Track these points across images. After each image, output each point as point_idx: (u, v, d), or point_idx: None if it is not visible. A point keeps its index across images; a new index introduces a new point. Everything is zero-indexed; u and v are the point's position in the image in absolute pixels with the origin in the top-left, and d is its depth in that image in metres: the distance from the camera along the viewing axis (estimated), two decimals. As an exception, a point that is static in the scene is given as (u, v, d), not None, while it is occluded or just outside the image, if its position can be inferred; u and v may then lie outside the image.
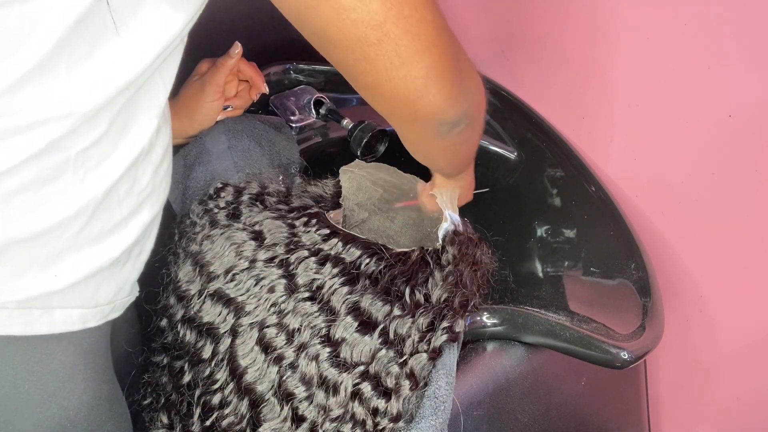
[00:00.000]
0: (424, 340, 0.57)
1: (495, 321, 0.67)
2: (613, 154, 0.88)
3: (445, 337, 0.58)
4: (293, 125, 0.91)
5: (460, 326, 0.60)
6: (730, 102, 0.73)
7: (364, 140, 0.86)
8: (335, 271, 0.57)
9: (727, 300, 0.82)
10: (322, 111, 0.92)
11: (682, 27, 0.75)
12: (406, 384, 0.55)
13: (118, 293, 0.56)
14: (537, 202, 0.90)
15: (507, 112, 0.96)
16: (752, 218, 0.75)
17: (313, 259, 0.57)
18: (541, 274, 0.82)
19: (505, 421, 0.68)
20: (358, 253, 0.58)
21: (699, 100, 0.76)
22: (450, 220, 0.68)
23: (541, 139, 0.92)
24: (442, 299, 0.60)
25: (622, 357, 0.63)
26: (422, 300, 0.59)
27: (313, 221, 0.61)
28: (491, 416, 0.67)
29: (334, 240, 0.59)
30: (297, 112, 0.92)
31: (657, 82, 0.79)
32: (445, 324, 0.59)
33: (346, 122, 0.89)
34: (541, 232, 0.87)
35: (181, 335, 0.59)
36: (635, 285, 0.75)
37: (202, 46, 0.67)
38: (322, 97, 0.93)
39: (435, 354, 0.58)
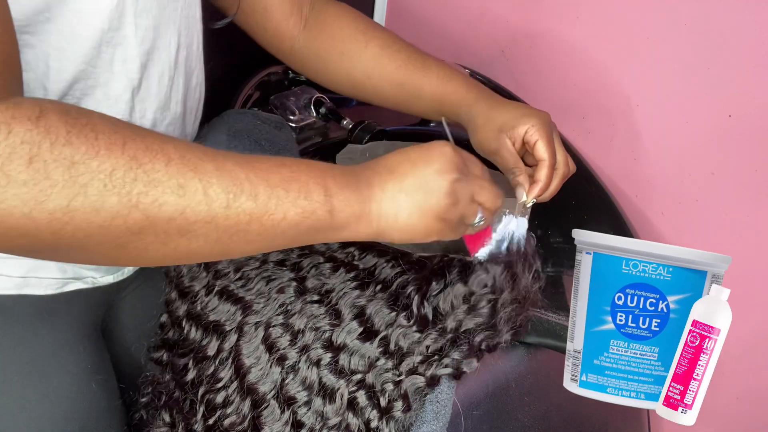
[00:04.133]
0: (426, 363, 0.54)
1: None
2: (613, 154, 0.88)
3: (449, 370, 0.53)
4: (293, 125, 0.91)
5: (470, 367, 0.54)
6: (730, 102, 0.73)
7: (365, 140, 0.86)
8: (348, 276, 0.56)
9: (727, 300, 0.82)
10: (322, 111, 0.92)
11: (682, 27, 0.75)
12: (398, 405, 0.53)
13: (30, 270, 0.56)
14: (537, 202, 0.89)
15: (507, 112, 0.96)
16: (752, 218, 0.75)
17: (327, 265, 0.56)
18: (541, 274, 0.82)
19: (505, 421, 0.68)
20: (374, 260, 0.56)
21: (699, 100, 0.76)
22: (503, 233, 0.58)
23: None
24: (461, 329, 0.54)
25: (622, 357, 0.63)
26: (431, 314, 0.54)
27: None
28: (491, 416, 0.66)
29: (351, 248, 0.57)
30: (297, 112, 0.92)
31: (657, 82, 0.79)
32: (456, 355, 0.54)
33: (346, 122, 0.89)
34: (541, 232, 0.86)
35: (185, 331, 0.59)
36: (635, 285, 0.75)
37: (205, 48, 0.66)
38: (322, 96, 0.93)
39: (434, 382, 0.53)
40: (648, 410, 0.91)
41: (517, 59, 0.97)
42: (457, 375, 0.55)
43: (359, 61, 0.70)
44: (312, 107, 0.92)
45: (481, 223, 0.51)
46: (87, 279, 0.61)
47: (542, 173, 0.60)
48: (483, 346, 0.56)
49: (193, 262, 0.44)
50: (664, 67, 0.78)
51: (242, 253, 0.44)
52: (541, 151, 0.60)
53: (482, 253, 0.57)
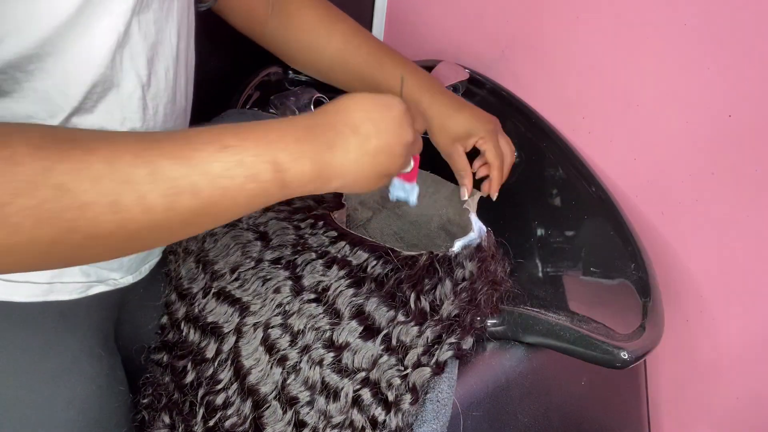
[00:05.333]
0: (428, 353, 0.56)
1: (495, 321, 0.67)
2: (613, 154, 0.88)
3: (450, 353, 0.57)
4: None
5: (468, 344, 0.59)
6: (730, 102, 0.73)
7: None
8: (341, 273, 0.56)
9: (727, 300, 0.82)
10: (322, 111, 0.92)
11: (682, 27, 0.75)
12: (407, 398, 0.55)
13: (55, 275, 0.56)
14: (537, 202, 0.89)
15: (507, 112, 0.96)
16: (752, 218, 0.75)
17: (320, 261, 0.57)
18: (541, 274, 0.82)
19: (505, 421, 0.68)
20: (365, 256, 0.57)
21: (699, 100, 0.76)
22: (477, 231, 0.66)
23: (541, 139, 0.92)
24: (452, 315, 0.58)
25: (622, 357, 0.63)
26: (428, 308, 0.57)
27: (320, 223, 0.61)
28: (491, 416, 0.66)
29: (342, 243, 0.58)
30: (297, 112, 0.92)
31: (657, 82, 0.79)
32: (452, 339, 0.58)
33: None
34: (541, 232, 0.86)
35: (184, 334, 0.59)
36: (635, 285, 0.75)
37: (206, 47, 0.67)
38: (322, 97, 0.93)
39: (439, 369, 0.57)
40: (648, 410, 0.91)
41: (517, 59, 0.97)
42: (459, 355, 0.58)
43: (323, 53, 0.75)
44: (312, 107, 0.92)
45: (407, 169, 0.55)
46: (109, 281, 0.61)
47: (494, 173, 0.73)
48: (474, 325, 0.60)
49: (156, 248, 0.44)
50: (664, 67, 0.78)
51: (200, 231, 0.43)
52: (491, 156, 0.73)
53: (458, 248, 0.63)
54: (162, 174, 0.38)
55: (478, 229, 0.67)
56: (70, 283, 0.57)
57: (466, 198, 0.73)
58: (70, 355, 0.58)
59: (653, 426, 0.95)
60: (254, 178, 0.41)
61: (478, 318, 0.61)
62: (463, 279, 0.60)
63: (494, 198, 0.75)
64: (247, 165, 0.41)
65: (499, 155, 0.73)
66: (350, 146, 0.46)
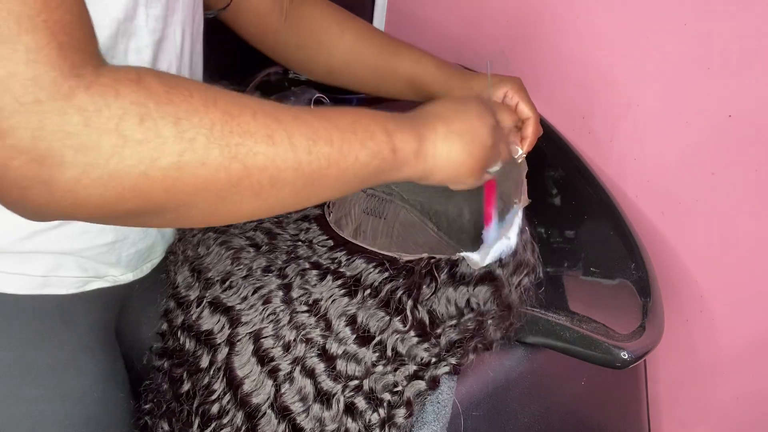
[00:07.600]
0: (425, 370, 0.55)
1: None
2: (613, 154, 0.88)
3: (447, 368, 0.56)
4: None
5: (468, 360, 0.58)
6: (730, 102, 0.73)
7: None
8: (335, 283, 0.55)
9: (727, 300, 0.82)
10: (322, 111, 0.92)
11: (682, 27, 0.75)
12: (401, 411, 0.54)
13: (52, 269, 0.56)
14: (537, 202, 0.89)
15: (507, 111, 0.96)
16: (752, 218, 0.75)
17: (314, 272, 0.55)
18: (541, 274, 0.82)
19: (505, 421, 0.68)
20: (362, 266, 0.55)
21: (699, 100, 0.76)
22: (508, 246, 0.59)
23: (541, 139, 0.92)
24: (454, 341, 0.56)
25: (622, 357, 0.63)
26: (427, 319, 0.55)
27: (315, 228, 0.59)
28: (491, 416, 0.66)
29: (338, 253, 0.57)
30: (297, 112, 0.92)
31: (657, 82, 0.79)
32: (452, 360, 0.56)
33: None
34: (541, 232, 0.86)
35: (181, 342, 0.58)
36: (635, 285, 0.75)
37: (205, 48, 0.66)
38: (322, 96, 0.93)
39: (435, 384, 0.55)
40: (648, 410, 0.91)
41: (517, 59, 0.97)
42: (456, 371, 0.57)
43: (336, 50, 0.74)
44: (312, 107, 0.92)
45: (496, 169, 0.56)
46: (108, 277, 0.60)
47: (529, 129, 0.67)
48: (477, 347, 0.58)
49: (278, 213, 0.46)
50: (664, 67, 0.78)
51: (322, 199, 0.46)
52: (525, 110, 0.67)
53: (481, 258, 0.57)
54: (303, 119, 0.43)
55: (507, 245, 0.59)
56: (66, 278, 0.56)
57: (520, 152, 0.66)
58: (66, 350, 0.58)
59: (653, 426, 0.95)
60: (371, 137, 0.46)
61: (483, 345, 0.60)
62: (470, 308, 0.57)
63: (524, 156, 0.67)
64: (364, 124, 0.46)
65: (535, 110, 0.68)
66: (438, 128, 0.50)
